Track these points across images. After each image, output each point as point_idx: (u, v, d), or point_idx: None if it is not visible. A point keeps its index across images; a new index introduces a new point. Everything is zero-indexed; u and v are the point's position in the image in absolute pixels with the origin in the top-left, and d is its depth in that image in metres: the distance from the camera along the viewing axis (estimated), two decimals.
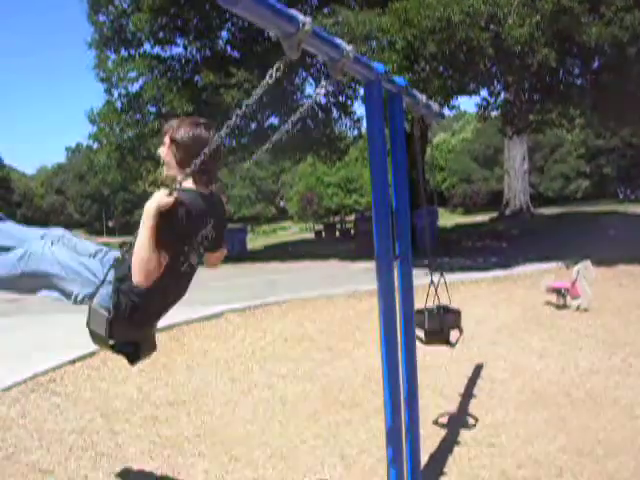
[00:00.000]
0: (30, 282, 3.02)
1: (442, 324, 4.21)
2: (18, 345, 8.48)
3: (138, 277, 2.66)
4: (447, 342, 4.27)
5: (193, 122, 2.95)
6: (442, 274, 4.43)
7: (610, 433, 4.62)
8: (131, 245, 2.77)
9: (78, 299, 2.95)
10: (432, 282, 4.32)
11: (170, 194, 2.65)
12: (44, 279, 2.98)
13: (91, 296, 2.90)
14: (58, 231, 3.13)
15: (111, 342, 2.95)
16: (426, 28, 13.20)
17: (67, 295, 2.98)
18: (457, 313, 4.41)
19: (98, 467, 4.53)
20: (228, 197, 3.21)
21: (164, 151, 2.96)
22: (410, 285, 3.73)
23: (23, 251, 2.97)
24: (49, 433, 5.24)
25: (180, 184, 2.78)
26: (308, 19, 2.24)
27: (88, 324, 2.95)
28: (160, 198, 2.64)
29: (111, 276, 2.88)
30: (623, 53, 13.90)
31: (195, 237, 2.85)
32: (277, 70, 2.30)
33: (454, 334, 4.37)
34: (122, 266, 2.85)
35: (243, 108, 2.43)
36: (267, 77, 2.32)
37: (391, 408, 3.29)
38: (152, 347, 3.16)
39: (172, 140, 2.91)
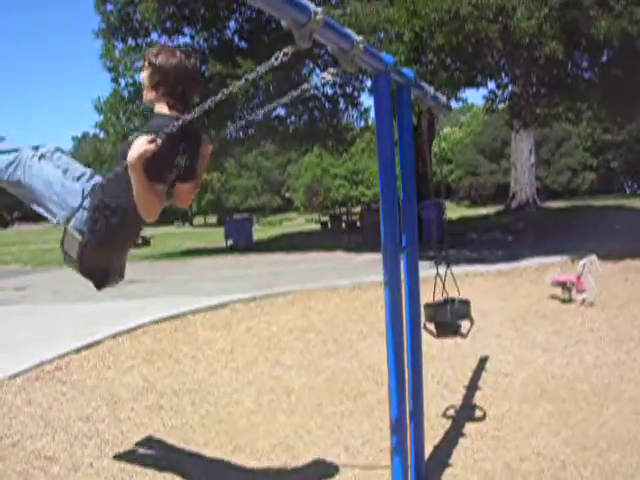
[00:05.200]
0: (19, 191, 3.13)
1: (453, 316, 4.21)
2: (24, 333, 8.52)
3: (148, 218, 2.88)
4: (459, 333, 4.27)
5: (172, 49, 3.04)
6: (449, 266, 4.43)
7: (614, 427, 4.62)
8: (113, 173, 2.90)
9: (55, 220, 3.06)
10: (438, 274, 4.32)
11: (153, 141, 2.71)
12: (29, 192, 3.09)
13: (67, 219, 2.99)
14: (51, 146, 3.19)
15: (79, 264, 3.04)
16: (434, 20, 13.14)
17: (51, 214, 3.10)
18: (467, 303, 4.40)
19: (103, 455, 4.55)
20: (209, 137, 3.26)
21: (144, 75, 3.04)
22: (416, 277, 3.74)
23: (12, 158, 3.07)
24: (54, 421, 5.27)
25: (154, 110, 3.02)
26: (320, 9, 2.23)
27: (62, 245, 3.04)
28: (141, 148, 2.70)
29: (88, 202, 2.98)
30: (632, 47, 13.80)
31: (172, 164, 2.93)
32: (284, 55, 2.33)
33: (465, 325, 4.37)
34: (99, 192, 2.97)
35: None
36: (273, 59, 2.37)
37: (396, 399, 3.30)
38: (120, 276, 3.32)
39: (150, 64, 2.99)
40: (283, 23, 2.25)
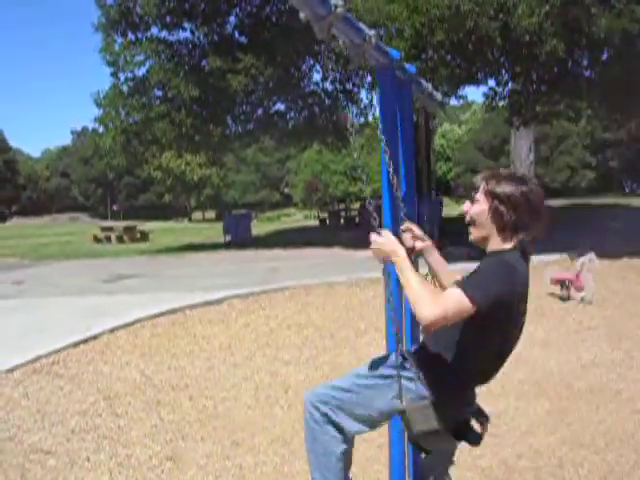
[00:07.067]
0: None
1: None
2: (21, 327, 8.51)
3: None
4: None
5: (513, 177, 2.49)
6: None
7: (611, 425, 4.63)
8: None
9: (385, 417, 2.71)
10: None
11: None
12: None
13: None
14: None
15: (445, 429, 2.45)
16: (435, 16, 13.12)
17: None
18: None
19: (100, 449, 4.55)
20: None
21: (478, 210, 2.52)
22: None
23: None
24: (51, 415, 5.27)
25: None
26: (340, 2, 2.21)
27: (412, 432, 2.50)
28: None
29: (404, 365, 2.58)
30: (633, 45, 13.80)
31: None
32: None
33: None
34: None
35: None
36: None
37: None
38: (486, 416, 2.63)
39: (493, 195, 2.45)
40: (301, 15, 2.21)
